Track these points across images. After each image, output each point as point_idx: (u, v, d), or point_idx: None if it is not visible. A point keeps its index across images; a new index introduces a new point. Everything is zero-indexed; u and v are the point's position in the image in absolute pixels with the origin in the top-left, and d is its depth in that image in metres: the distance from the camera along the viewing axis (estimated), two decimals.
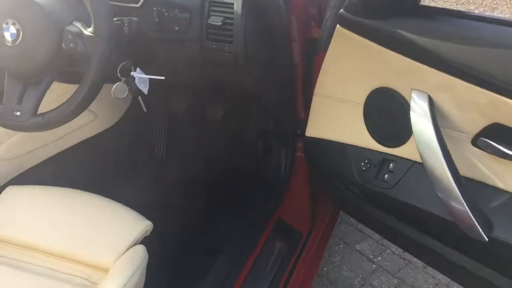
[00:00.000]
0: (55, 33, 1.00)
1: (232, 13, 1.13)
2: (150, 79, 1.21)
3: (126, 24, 1.09)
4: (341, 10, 1.04)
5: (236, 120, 1.66)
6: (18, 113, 1.05)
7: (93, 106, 1.57)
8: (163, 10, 1.17)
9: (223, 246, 1.36)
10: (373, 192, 1.09)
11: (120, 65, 1.14)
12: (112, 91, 1.15)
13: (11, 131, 1.32)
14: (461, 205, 0.87)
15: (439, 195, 0.91)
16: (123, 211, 1.25)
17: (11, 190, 1.29)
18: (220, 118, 1.72)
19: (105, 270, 1.12)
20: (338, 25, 1.07)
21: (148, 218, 1.21)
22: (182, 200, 1.58)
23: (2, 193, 1.28)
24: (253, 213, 1.43)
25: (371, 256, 1.84)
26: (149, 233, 1.24)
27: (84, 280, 1.14)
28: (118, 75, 1.15)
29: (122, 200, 1.29)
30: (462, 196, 0.87)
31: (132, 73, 1.17)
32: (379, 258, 1.83)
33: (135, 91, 1.18)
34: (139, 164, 1.70)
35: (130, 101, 1.75)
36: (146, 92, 1.23)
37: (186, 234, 1.46)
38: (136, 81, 1.18)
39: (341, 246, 1.88)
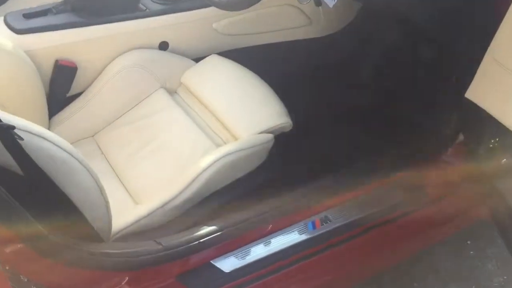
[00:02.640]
0: None
1: None
2: None
3: None
4: None
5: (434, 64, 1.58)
6: None
7: (310, 11, 1.72)
8: None
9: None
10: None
11: None
12: None
13: (232, 13, 1.60)
14: None
15: None
16: (277, 104, 1.42)
17: (213, 58, 1.59)
18: (427, 60, 1.66)
19: (236, 139, 1.34)
20: None
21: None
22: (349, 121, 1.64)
23: (206, 58, 1.59)
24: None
25: None
26: (287, 130, 1.39)
27: (223, 142, 1.38)
28: None
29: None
30: None
31: None
32: None
33: (317, 2, 1.28)
34: (329, 78, 1.77)
35: (351, 19, 1.82)
36: (331, 6, 1.30)
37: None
38: None
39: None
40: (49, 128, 1.44)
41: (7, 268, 0.84)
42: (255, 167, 1.31)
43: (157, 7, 1.58)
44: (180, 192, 1.16)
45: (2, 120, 0.82)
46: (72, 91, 1.50)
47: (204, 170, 1.17)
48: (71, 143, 1.45)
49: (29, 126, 0.87)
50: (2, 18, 1.42)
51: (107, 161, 1.41)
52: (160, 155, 1.36)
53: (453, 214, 1.40)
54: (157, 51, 1.57)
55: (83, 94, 1.50)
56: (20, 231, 0.81)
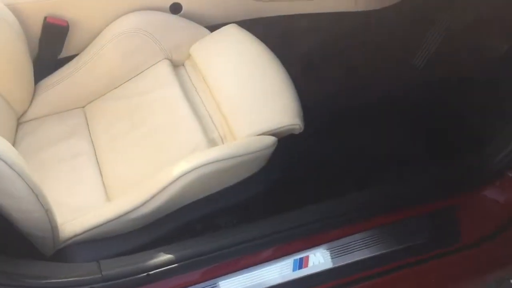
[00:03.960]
0: None
1: None
2: None
3: None
4: None
5: None
6: None
7: None
8: None
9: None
10: None
11: None
12: None
13: None
14: None
15: None
16: (291, 99, 1.17)
17: (230, 28, 1.35)
18: (492, 56, 1.33)
19: (234, 138, 1.12)
20: None
21: None
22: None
23: (223, 28, 1.35)
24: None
25: None
26: (297, 132, 1.15)
27: (219, 138, 1.16)
28: None
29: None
30: None
31: None
32: None
33: None
34: (366, 64, 1.47)
35: None
36: None
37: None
38: None
39: None
40: (34, 94, 1.28)
41: None
42: (246, 177, 1.08)
43: None
44: (146, 201, 0.96)
45: None
46: (66, 53, 1.32)
47: (177, 179, 0.95)
48: (58, 112, 1.32)
49: None
50: None
51: (91, 139, 1.24)
52: (145, 144, 1.16)
53: (495, 263, 1.12)
54: (167, 14, 1.34)
55: (75, 58, 1.31)
56: None
